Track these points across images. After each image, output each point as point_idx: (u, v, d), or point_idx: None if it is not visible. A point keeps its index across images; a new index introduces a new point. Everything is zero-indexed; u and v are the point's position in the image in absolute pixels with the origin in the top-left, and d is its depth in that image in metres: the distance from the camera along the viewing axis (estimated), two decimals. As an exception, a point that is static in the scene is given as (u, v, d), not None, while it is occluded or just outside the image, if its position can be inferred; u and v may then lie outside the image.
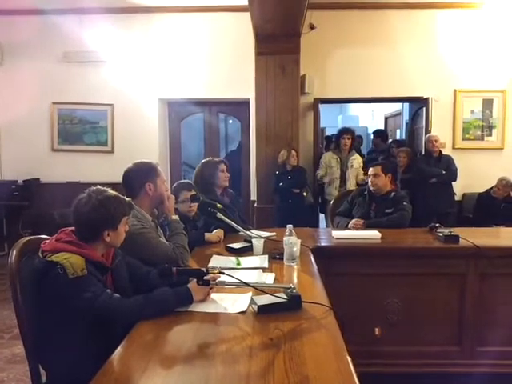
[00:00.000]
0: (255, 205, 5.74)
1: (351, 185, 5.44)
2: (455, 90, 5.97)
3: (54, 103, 6.16)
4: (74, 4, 5.76)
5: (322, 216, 6.11)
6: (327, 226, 5.58)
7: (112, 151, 6.20)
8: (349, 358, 1.42)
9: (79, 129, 6.21)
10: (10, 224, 6.15)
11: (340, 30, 5.94)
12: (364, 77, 5.96)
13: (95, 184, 6.07)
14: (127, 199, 1.97)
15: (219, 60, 5.98)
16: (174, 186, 3.05)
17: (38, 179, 6.07)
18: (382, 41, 5.94)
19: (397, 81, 5.95)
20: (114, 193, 1.90)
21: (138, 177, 2.42)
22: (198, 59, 6.04)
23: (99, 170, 6.05)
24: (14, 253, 1.85)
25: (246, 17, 5.44)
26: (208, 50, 6.00)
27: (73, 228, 1.87)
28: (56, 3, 5.68)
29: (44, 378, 1.86)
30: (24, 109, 6.02)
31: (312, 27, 5.79)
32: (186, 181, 3.18)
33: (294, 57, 5.57)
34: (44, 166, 6.11)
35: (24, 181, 6.00)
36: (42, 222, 5.60)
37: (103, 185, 1.99)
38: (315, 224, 5.81)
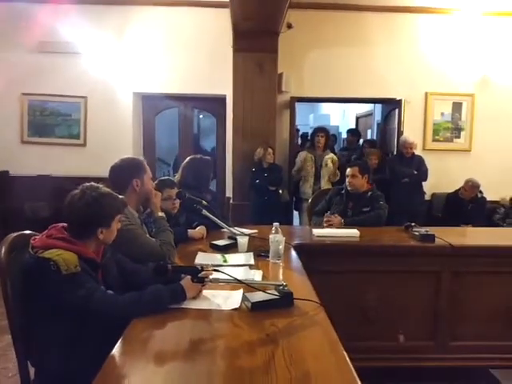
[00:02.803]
0: (231, 201, 5.75)
1: (325, 183, 5.53)
2: (426, 93, 6.14)
3: (24, 94, 5.98)
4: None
5: (295, 213, 6.18)
6: (301, 224, 5.68)
7: (84, 144, 6.07)
8: (345, 353, 1.47)
9: (51, 121, 6.05)
10: (-23, 217, 5.95)
11: (317, 30, 6.00)
12: (339, 77, 6.05)
13: (67, 178, 5.97)
14: (120, 197, 1.95)
15: (196, 55, 5.94)
16: (156, 182, 3.03)
17: (7, 172, 5.88)
18: (357, 42, 6.04)
19: (371, 82, 6.07)
20: (107, 190, 1.89)
21: (126, 173, 2.40)
22: (175, 54, 5.98)
23: (71, 163, 5.92)
24: (3, 248, 1.82)
25: (225, 13, 5.45)
26: (185, 44, 5.94)
27: (64, 224, 1.85)
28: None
29: (32, 375, 1.84)
30: (-8, 98, 5.83)
31: (289, 26, 5.83)
32: (167, 178, 3.17)
33: (271, 55, 5.60)
34: (13, 159, 5.91)
35: (-8, 173, 5.81)
36: (11, 215, 5.44)
37: (76, 179, 1.97)
38: (290, 221, 5.88)
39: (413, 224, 3.36)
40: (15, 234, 1.92)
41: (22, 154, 6.00)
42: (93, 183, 1.88)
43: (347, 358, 1.44)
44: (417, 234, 3.14)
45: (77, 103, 6.00)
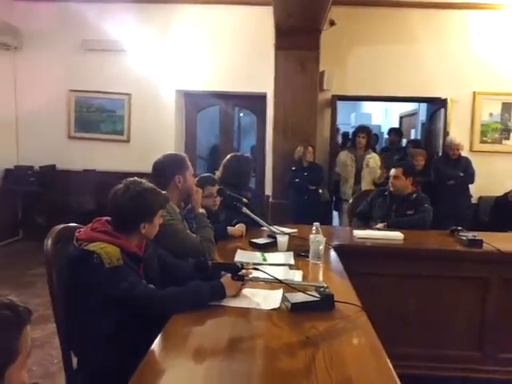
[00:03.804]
0: (270, 200, 5.73)
1: (366, 184, 5.42)
2: (474, 92, 5.92)
3: (71, 90, 6.16)
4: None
5: (334, 213, 6.09)
6: (340, 224, 5.59)
7: (128, 140, 6.21)
8: (387, 359, 1.42)
9: (96, 117, 6.22)
10: (26, 209, 6.18)
11: (360, 27, 5.89)
12: (382, 75, 5.92)
13: (111, 172, 6.13)
14: (163, 192, 1.97)
15: (238, 53, 5.96)
16: (198, 179, 3.04)
17: (54, 166, 6.09)
18: (401, 39, 5.89)
19: (415, 80, 5.91)
20: (151, 185, 1.91)
21: (168, 169, 2.42)
22: (217, 51, 6.02)
23: (115, 158, 6.07)
24: (50, 240, 1.87)
25: (267, 11, 5.43)
26: (227, 42, 5.98)
27: (108, 218, 1.87)
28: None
29: (75, 364, 1.88)
30: (42, 95, 6.03)
31: (332, 23, 5.74)
32: (209, 175, 3.18)
33: (313, 53, 5.54)
34: (60, 153, 6.11)
35: (40, 167, 6.02)
36: (57, 208, 5.62)
37: (119, 174, 1.99)
38: (329, 221, 5.81)
39: (459, 228, 3.24)
40: (61, 226, 1.96)
41: (69, 148, 6.20)
42: (136, 178, 1.90)
43: (390, 365, 1.39)
44: (464, 238, 3.02)
45: (121, 100, 6.13)
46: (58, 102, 6.16)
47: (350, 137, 6.27)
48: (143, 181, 1.91)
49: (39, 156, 6.05)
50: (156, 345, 1.49)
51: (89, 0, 5.85)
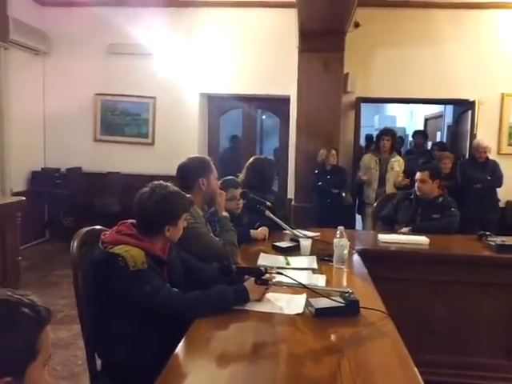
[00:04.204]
0: (292, 203, 5.71)
1: (390, 188, 5.34)
2: (502, 94, 5.78)
3: (97, 94, 6.27)
4: (121, -3, 5.85)
5: (358, 217, 6.03)
6: (363, 228, 5.52)
7: (152, 143, 6.27)
8: (415, 368, 1.39)
9: (121, 120, 6.30)
10: (52, 211, 6.31)
11: (385, 29, 5.83)
12: (407, 77, 5.84)
13: (135, 175, 6.19)
14: (188, 195, 1.98)
15: (261, 56, 5.96)
16: (221, 182, 3.04)
17: (80, 168, 6.20)
18: (427, 41, 5.80)
19: (442, 82, 5.80)
20: (176, 188, 1.91)
21: (193, 172, 2.43)
22: (240, 54, 6.03)
23: (139, 161, 6.14)
24: (75, 242, 1.89)
25: (290, 13, 5.42)
26: (250, 45, 5.99)
27: (133, 221, 1.89)
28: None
29: (99, 366, 1.90)
30: (69, 99, 6.16)
31: (357, 25, 5.69)
32: (232, 178, 3.17)
33: (337, 54, 5.51)
34: (86, 156, 6.23)
35: (67, 169, 6.13)
36: (83, 210, 5.72)
37: (144, 176, 2.01)
38: (352, 225, 5.74)
39: (487, 233, 3.16)
40: (86, 228, 1.98)
41: (95, 151, 6.30)
42: (162, 182, 1.91)
43: (417, 374, 1.36)
44: (492, 243, 2.95)
45: (146, 103, 6.20)
46: (85, 105, 6.27)
47: (374, 139, 6.20)
48: (168, 184, 1.92)
49: (66, 158, 6.17)
50: (180, 348, 1.49)
51: (116, 4, 5.95)
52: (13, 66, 5.52)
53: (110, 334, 1.81)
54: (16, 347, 0.87)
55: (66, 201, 6.03)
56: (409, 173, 5.24)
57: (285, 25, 5.72)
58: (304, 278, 2.17)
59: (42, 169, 6.21)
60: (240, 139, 6.85)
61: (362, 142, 7.64)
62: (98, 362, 1.89)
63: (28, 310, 0.89)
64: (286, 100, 6.03)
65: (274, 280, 1.85)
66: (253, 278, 1.84)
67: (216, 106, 6.51)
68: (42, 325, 0.92)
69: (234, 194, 2.91)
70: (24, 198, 3.98)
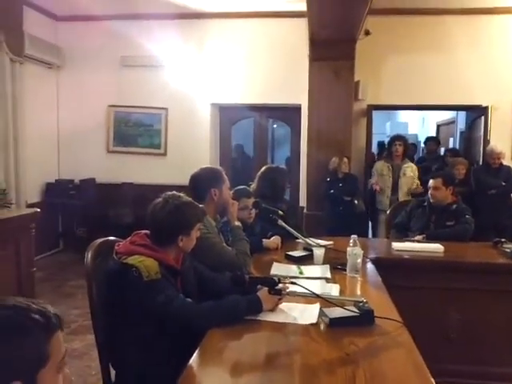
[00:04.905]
0: (304, 211, 5.70)
1: (403, 194, 5.31)
2: (516, 99, 5.73)
3: (110, 106, 6.34)
4: (132, 10, 5.91)
5: (370, 225, 5.99)
6: (376, 236, 5.49)
7: (165, 154, 6.31)
8: (432, 379, 1.37)
9: (134, 131, 6.36)
10: (66, 222, 6.37)
11: (395, 36, 5.82)
12: (419, 84, 5.82)
13: (148, 185, 6.23)
14: (201, 206, 1.99)
15: (272, 65, 5.99)
16: (233, 192, 3.05)
17: (93, 179, 6.26)
18: (438, 47, 5.78)
19: (454, 88, 5.78)
20: (189, 199, 1.93)
21: (205, 182, 2.45)
22: (251, 64, 6.07)
23: (152, 172, 6.18)
24: (90, 253, 1.91)
25: (300, 23, 5.45)
26: (261, 55, 6.02)
27: (146, 231, 1.90)
28: (115, 9, 5.84)
29: (113, 377, 1.91)
30: (82, 111, 6.25)
31: (367, 33, 5.69)
32: (244, 187, 3.18)
33: (348, 63, 5.52)
34: (99, 167, 6.29)
35: (80, 180, 6.20)
36: (96, 220, 5.76)
37: (156, 187, 2.02)
38: (365, 233, 5.71)
39: (503, 240, 3.12)
40: (101, 240, 2.00)
41: (108, 162, 6.36)
42: (175, 192, 1.93)
43: (434, 384, 1.34)
44: (508, 250, 2.91)
45: (158, 114, 6.26)
46: (98, 117, 6.34)
47: (386, 146, 6.17)
48: (181, 194, 1.93)
49: (79, 170, 6.24)
50: (194, 359, 1.49)
51: (127, 18, 6.02)
52: (27, 79, 5.61)
53: (124, 345, 1.81)
54: (25, 352, 0.88)
55: (79, 212, 6.09)
56: (422, 180, 5.21)
57: (295, 34, 5.75)
58: (317, 287, 2.16)
59: (56, 180, 6.28)
60: (244, 148, 6.88)
61: (374, 149, 7.61)
62: (112, 373, 1.89)
63: (37, 316, 0.91)
64: (297, 109, 6.04)
65: (287, 290, 1.85)
66: (266, 288, 1.84)
67: (227, 115, 6.54)
68: (52, 330, 0.93)
69: (247, 204, 2.91)
70: (38, 210, 4.03)
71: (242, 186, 3.16)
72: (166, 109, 6.22)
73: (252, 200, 2.95)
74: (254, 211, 2.95)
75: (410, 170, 5.37)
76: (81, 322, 3.91)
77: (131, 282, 1.72)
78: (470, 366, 2.86)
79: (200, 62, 6.12)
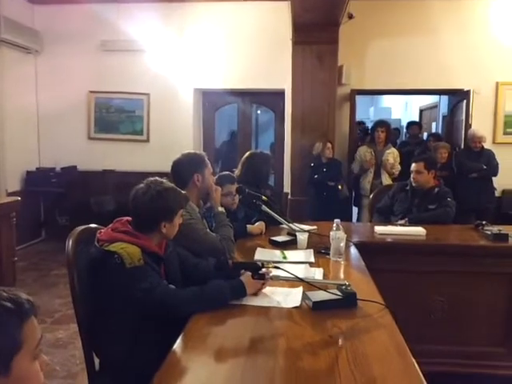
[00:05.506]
0: (289, 197, 5.71)
1: (386, 179, 5.35)
2: (497, 83, 5.78)
3: (91, 92, 6.23)
4: (112, -7, 5.79)
5: (354, 209, 6.03)
6: (359, 220, 5.53)
7: (147, 140, 6.25)
8: (413, 358, 1.39)
9: (115, 118, 6.26)
10: (48, 210, 6.28)
11: (378, 20, 5.81)
12: (402, 68, 5.83)
13: (131, 172, 6.16)
14: (183, 192, 1.96)
15: (255, 50, 5.94)
16: (217, 178, 3.03)
17: (75, 167, 6.17)
18: (421, 31, 5.79)
19: (436, 72, 5.80)
20: (171, 185, 1.91)
21: (187, 167, 2.42)
22: (234, 49, 6.01)
23: (135, 158, 6.12)
24: (71, 241, 1.87)
25: (283, 6, 5.41)
26: (244, 39, 5.96)
27: (128, 218, 1.88)
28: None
29: (97, 366, 1.89)
30: (62, 97, 6.12)
31: (350, 17, 5.68)
32: (228, 173, 3.16)
33: (331, 47, 5.49)
34: (81, 154, 6.19)
35: (62, 168, 6.11)
36: (78, 208, 5.69)
37: (139, 174, 1.99)
38: (349, 217, 5.75)
39: (484, 222, 3.16)
40: (82, 227, 1.97)
41: (89, 149, 6.27)
42: (157, 178, 1.91)
43: (415, 364, 1.37)
44: (489, 233, 2.96)
45: (140, 100, 6.17)
46: (79, 103, 6.23)
47: (369, 131, 6.19)
48: (164, 180, 1.91)
49: (60, 157, 6.14)
50: (177, 345, 1.48)
51: (107, 1, 5.89)
52: (5, 65, 5.48)
53: (108, 332, 1.80)
54: None
55: (61, 200, 6.01)
56: (404, 164, 5.25)
57: (278, 18, 5.71)
58: (301, 271, 2.17)
59: (36, 168, 6.18)
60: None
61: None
62: (96, 361, 1.88)
63: (8, 303, 0.89)
64: (280, 94, 6.01)
65: (270, 274, 1.85)
66: (249, 273, 1.84)
67: (211, 101, 6.48)
68: (25, 316, 0.92)
69: (230, 190, 2.90)
70: (19, 198, 3.96)
71: (225, 172, 3.15)
72: (147, 94, 6.13)
73: (235, 186, 2.93)
74: (237, 197, 2.94)
75: (392, 155, 5.40)
76: (64, 311, 3.88)
77: (114, 269, 1.71)
78: (451, 346, 2.93)
79: (182, 47, 6.04)
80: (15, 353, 0.89)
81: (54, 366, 2.99)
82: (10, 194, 5.23)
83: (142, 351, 1.75)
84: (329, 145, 5.32)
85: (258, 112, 7.45)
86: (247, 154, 3.53)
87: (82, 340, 1.85)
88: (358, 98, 6.11)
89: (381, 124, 5.58)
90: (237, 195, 2.94)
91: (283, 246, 2.71)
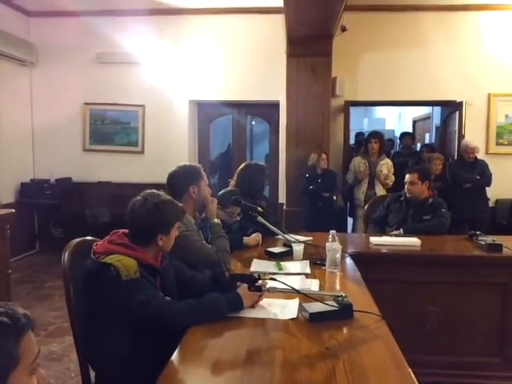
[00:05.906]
0: (284, 208, 5.72)
1: (380, 190, 5.38)
2: (489, 94, 5.86)
3: (86, 103, 6.24)
4: (107, 6, 5.82)
5: (349, 220, 6.04)
6: (353, 231, 5.55)
7: (142, 152, 6.25)
8: (410, 370, 1.40)
9: (110, 129, 6.27)
10: (42, 222, 6.25)
11: (371, 33, 5.88)
12: (395, 80, 5.89)
13: (126, 184, 6.16)
14: (180, 204, 1.97)
15: (250, 62, 5.98)
16: (219, 196, 2.98)
17: (69, 178, 6.15)
18: (414, 43, 5.87)
19: (429, 84, 5.87)
20: (168, 197, 1.91)
21: (183, 179, 2.43)
22: (229, 61, 6.05)
23: (130, 170, 6.12)
24: (67, 254, 1.87)
25: (278, 19, 5.47)
26: (239, 52, 6.01)
27: (125, 230, 1.88)
28: (90, 5, 5.74)
29: (93, 379, 1.88)
30: (57, 109, 6.13)
31: (343, 29, 5.73)
32: (231, 194, 3.07)
33: (325, 59, 5.54)
34: (76, 166, 6.18)
35: (56, 180, 6.08)
36: (73, 220, 5.67)
37: (134, 185, 2.00)
38: (344, 228, 5.76)
39: (478, 233, 3.18)
40: (78, 239, 1.97)
41: (84, 161, 6.26)
42: (154, 190, 1.91)
43: (412, 374, 1.37)
44: (483, 243, 2.97)
45: (135, 111, 6.19)
46: (74, 115, 6.24)
47: (363, 143, 6.23)
48: (161, 193, 1.91)
49: (55, 169, 6.12)
50: (174, 357, 1.48)
51: (102, 14, 5.93)
52: (0, 77, 5.48)
53: (104, 345, 1.79)
54: None
55: (55, 212, 5.99)
56: (398, 175, 5.28)
57: (273, 31, 5.77)
58: (297, 283, 2.17)
59: (31, 180, 6.16)
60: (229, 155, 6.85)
61: (352, 140, 7.62)
62: (92, 374, 1.87)
63: (4, 319, 0.89)
64: (275, 105, 6.05)
65: (267, 286, 1.85)
66: (246, 285, 1.84)
67: (206, 112, 6.51)
68: (21, 332, 0.92)
69: (233, 211, 2.91)
70: (13, 210, 3.94)
71: (228, 190, 3.13)
72: (142, 106, 6.15)
73: (239, 208, 2.93)
74: (238, 218, 2.95)
75: (386, 166, 5.44)
76: (59, 323, 3.84)
77: (110, 282, 1.70)
78: (446, 356, 2.93)
79: (177, 59, 6.07)
80: (12, 369, 0.89)
81: (49, 379, 2.95)
82: (3, 206, 5.19)
83: (138, 364, 1.74)
84: (324, 156, 5.35)
85: (253, 123, 7.49)
86: (242, 165, 3.54)
87: (78, 352, 1.84)
88: (352, 110, 6.16)
89: (374, 135, 5.63)
90: (237, 217, 2.94)
91: (279, 257, 2.71)
